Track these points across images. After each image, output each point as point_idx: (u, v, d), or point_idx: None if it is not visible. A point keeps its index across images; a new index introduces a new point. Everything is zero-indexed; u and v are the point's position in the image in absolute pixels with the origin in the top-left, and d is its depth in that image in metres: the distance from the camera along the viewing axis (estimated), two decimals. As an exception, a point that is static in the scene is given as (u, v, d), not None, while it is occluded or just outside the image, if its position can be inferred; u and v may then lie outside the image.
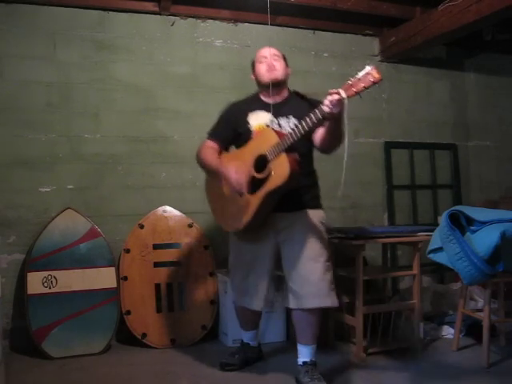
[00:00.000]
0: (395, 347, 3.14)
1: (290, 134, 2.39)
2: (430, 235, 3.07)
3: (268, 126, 2.62)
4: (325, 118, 2.33)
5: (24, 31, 3.33)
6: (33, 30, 3.35)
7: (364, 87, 2.15)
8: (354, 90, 2.17)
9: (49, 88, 3.38)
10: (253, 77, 2.77)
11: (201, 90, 3.70)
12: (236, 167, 2.53)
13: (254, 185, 2.50)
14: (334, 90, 2.21)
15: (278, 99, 2.69)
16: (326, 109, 2.24)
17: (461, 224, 2.86)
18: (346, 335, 3.27)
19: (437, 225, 3.05)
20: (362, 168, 4.14)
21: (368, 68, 2.15)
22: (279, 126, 2.62)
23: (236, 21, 3.82)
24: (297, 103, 2.65)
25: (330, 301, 2.57)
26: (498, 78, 4.64)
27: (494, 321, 3.01)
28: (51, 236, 3.16)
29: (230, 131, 2.73)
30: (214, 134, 2.78)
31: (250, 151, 2.56)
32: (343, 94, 2.19)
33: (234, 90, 3.73)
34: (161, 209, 3.45)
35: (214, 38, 3.77)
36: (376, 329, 3.17)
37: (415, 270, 3.17)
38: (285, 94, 2.72)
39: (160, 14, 3.62)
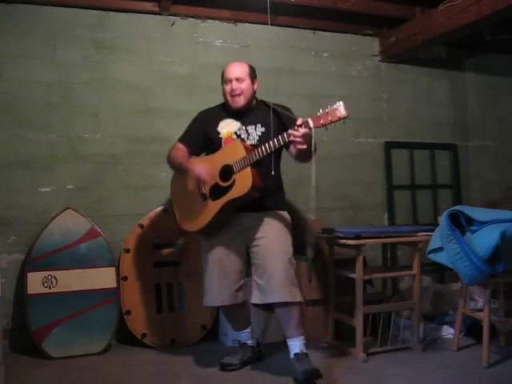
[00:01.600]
0: (395, 347, 3.14)
1: (257, 152, 2.55)
2: (430, 235, 3.07)
3: (237, 134, 2.76)
4: (291, 143, 2.54)
5: (24, 31, 3.33)
6: (33, 29, 3.35)
7: (331, 121, 2.37)
8: (322, 122, 2.39)
9: (49, 88, 3.38)
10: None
11: (201, 90, 3.70)
12: (203, 166, 2.69)
13: (217, 192, 2.66)
14: (302, 121, 2.42)
15: (247, 108, 2.81)
16: (290, 138, 2.46)
17: (461, 224, 2.86)
18: (346, 335, 3.27)
19: (437, 225, 3.05)
20: (362, 168, 4.14)
21: (337, 104, 2.36)
22: (247, 133, 2.77)
23: (236, 21, 3.81)
24: (263, 112, 2.76)
25: (291, 296, 2.63)
26: (498, 78, 4.64)
27: (494, 321, 3.01)
28: (51, 236, 3.16)
29: (200, 137, 2.86)
30: (183, 138, 2.91)
31: (218, 160, 2.71)
32: (311, 124, 2.41)
33: (234, 90, 3.74)
34: (161, 209, 3.45)
35: (213, 38, 3.77)
36: (376, 329, 3.17)
37: (415, 270, 3.17)
38: (252, 103, 2.84)
39: (160, 14, 3.62)
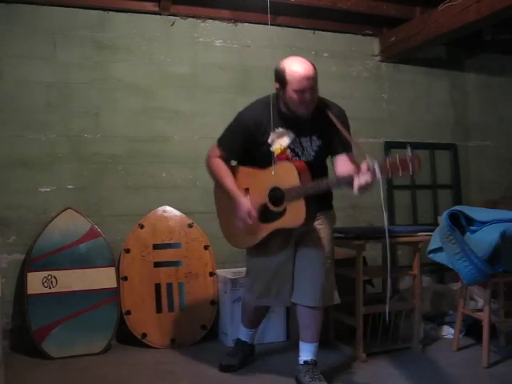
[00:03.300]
0: (395, 347, 3.14)
1: (312, 187, 2.38)
2: (430, 235, 3.07)
3: (291, 148, 2.52)
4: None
5: (24, 31, 3.33)
6: (33, 29, 3.35)
7: (401, 174, 2.09)
8: (390, 175, 2.13)
9: (49, 88, 3.38)
10: (278, 88, 2.48)
11: (201, 90, 3.70)
12: (250, 201, 2.54)
13: (265, 214, 2.54)
14: (367, 168, 2.13)
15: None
16: (356, 192, 2.24)
17: (461, 224, 2.86)
18: (346, 335, 3.27)
19: (437, 225, 3.05)
20: (362, 168, 4.13)
21: (410, 155, 2.04)
22: (302, 147, 2.54)
23: (236, 21, 3.81)
24: (318, 119, 2.51)
25: (332, 300, 2.63)
26: (497, 78, 4.64)
27: (494, 321, 3.01)
28: (51, 236, 3.16)
29: (243, 147, 2.60)
30: (225, 146, 2.63)
31: (268, 179, 2.51)
32: (378, 175, 2.15)
33: (234, 90, 3.74)
34: (161, 209, 3.45)
35: (214, 37, 3.77)
36: (376, 329, 3.17)
37: (415, 270, 3.16)
38: None
39: (160, 14, 3.62)
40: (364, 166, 2.17)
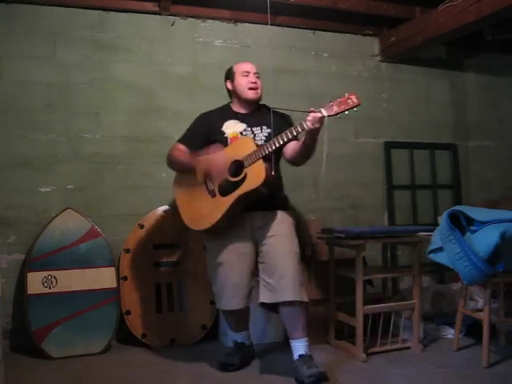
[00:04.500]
0: (395, 347, 3.14)
1: (271, 143, 2.54)
2: (430, 235, 3.07)
3: (242, 134, 2.73)
4: (303, 132, 2.52)
5: (24, 31, 3.33)
6: (33, 29, 3.35)
7: (344, 109, 2.42)
8: (335, 110, 2.43)
9: (49, 88, 3.38)
10: (229, 86, 2.84)
11: (201, 89, 3.70)
12: (212, 182, 2.67)
13: (227, 188, 2.61)
14: (316, 110, 2.44)
15: (250, 110, 2.82)
16: (308, 124, 2.43)
17: (461, 224, 2.86)
18: (346, 335, 3.27)
19: (437, 225, 3.04)
20: (362, 168, 4.14)
21: (349, 94, 2.43)
22: (253, 134, 2.74)
23: (236, 21, 3.82)
24: (267, 114, 2.74)
25: (301, 295, 2.62)
26: (497, 78, 4.64)
27: (494, 321, 3.01)
28: (51, 236, 3.16)
29: (203, 138, 2.79)
30: (185, 139, 2.84)
31: (226, 156, 2.65)
32: (324, 113, 2.42)
33: (234, 90, 3.74)
34: (161, 209, 3.45)
35: (213, 38, 3.77)
36: (376, 329, 3.17)
37: (415, 270, 3.17)
38: (255, 105, 2.84)
39: (160, 14, 3.63)
40: (312, 110, 2.46)
